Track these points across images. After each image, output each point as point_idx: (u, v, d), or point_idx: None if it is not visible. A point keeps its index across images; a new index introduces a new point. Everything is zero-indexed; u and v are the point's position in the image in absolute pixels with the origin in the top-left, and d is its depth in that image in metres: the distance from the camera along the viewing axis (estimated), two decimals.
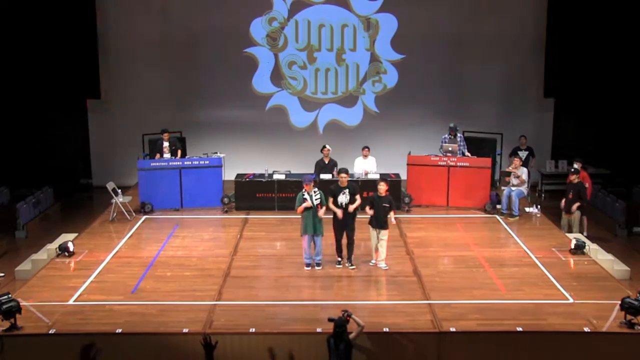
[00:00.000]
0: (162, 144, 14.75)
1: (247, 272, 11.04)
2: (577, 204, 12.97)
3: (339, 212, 10.80)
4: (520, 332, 8.77)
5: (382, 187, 10.77)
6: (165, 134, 14.79)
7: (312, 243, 10.94)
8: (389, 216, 10.82)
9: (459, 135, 14.83)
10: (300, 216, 10.95)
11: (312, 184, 10.86)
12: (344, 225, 10.90)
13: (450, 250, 12.04)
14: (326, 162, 14.32)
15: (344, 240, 11.06)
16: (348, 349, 8.10)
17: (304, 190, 10.82)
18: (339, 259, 11.16)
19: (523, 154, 15.23)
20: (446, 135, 14.83)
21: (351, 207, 10.80)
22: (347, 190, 10.85)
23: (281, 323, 9.07)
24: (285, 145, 17.82)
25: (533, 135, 16.75)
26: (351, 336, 8.16)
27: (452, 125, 14.73)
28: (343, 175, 10.93)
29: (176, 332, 8.79)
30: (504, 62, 17.76)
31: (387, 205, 10.76)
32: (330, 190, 10.99)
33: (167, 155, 14.73)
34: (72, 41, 17.12)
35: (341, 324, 8.08)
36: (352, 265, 11.10)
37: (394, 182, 14.04)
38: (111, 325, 8.95)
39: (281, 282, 10.60)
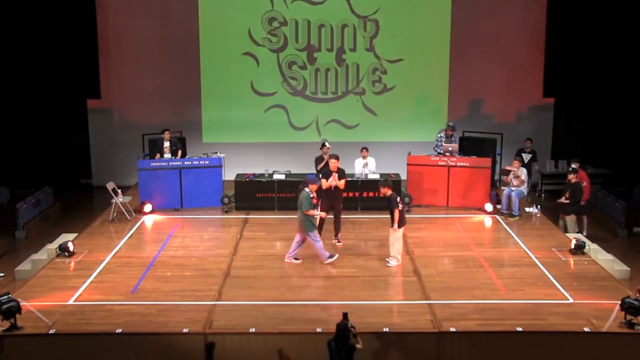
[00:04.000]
0: (163, 143, 14.75)
1: (247, 272, 11.03)
2: (562, 200, 13.29)
3: (331, 181, 11.83)
4: (520, 332, 8.77)
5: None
6: (167, 133, 14.78)
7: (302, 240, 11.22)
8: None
9: (454, 134, 14.85)
10: (300, 216, 11.10)
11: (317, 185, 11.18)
12: (332, 207, 11.97)
13: (450, 250, 12.03)
14: (325, 158, 14.27)
15: (332, 219, 12.12)
16: (349, 352, 8.08)
17: (307, 190, 10.95)
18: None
19: (527, 157, 15.26)
20: (442, 134, 14.82)
21: (340, 184, 11.89)
22: (336, 175, 11.86)
23: (281, 323, 9.06)
24: (285, 145, 17.81)
25: (533, 135, 16.72)
26: (350, 342, 8.13)
27: (451, 124, 14.76)
28: (333, 160, 11.93)
29: (176, 332, 8.79)
30: (504, 62, 17.74)
31: (388, 203, 11.02)
32: (322, 173, 12.08)
33: (167, 155, 14.72)
34: (72, 41, 17.11)
35: (344, 327, 8.06)
36: (339, 241, 12.16)
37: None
38: (111, 325, 8.94)
39: (281, 282, 10.60)
